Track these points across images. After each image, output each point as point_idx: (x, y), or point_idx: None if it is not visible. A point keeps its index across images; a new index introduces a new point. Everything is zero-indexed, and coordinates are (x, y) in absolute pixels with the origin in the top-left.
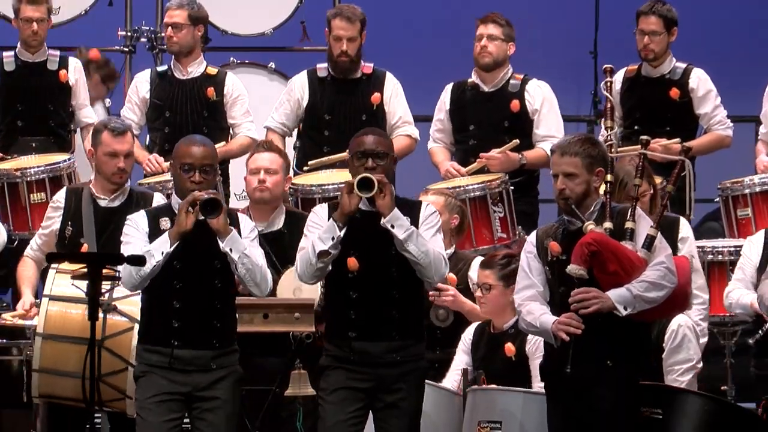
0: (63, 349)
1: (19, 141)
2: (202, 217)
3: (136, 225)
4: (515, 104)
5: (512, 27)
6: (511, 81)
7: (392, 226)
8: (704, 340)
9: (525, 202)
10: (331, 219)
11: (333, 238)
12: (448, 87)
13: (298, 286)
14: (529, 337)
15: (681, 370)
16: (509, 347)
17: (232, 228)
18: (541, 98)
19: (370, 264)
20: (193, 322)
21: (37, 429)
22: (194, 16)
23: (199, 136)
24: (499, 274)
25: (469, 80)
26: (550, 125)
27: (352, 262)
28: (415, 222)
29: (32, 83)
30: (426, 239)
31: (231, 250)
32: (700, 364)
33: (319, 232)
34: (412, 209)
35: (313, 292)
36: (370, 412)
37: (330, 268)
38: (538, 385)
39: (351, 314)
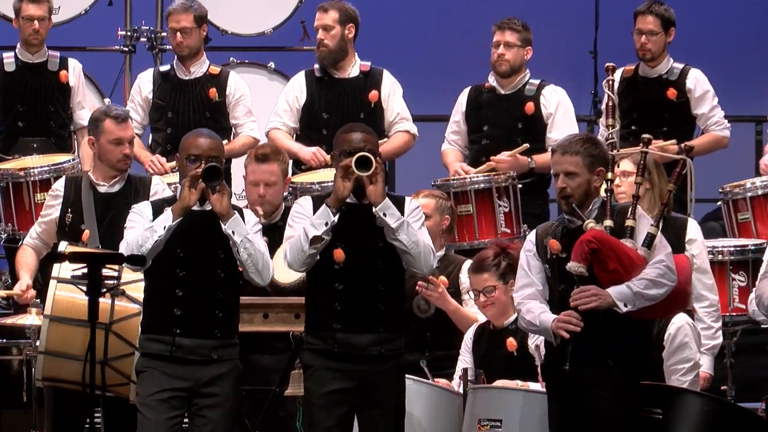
0: (69, 332)
1: (20, 142)
2: (205, 204)
3: (140, 212)
4: (530, 107)
5: (529, 30)
6: (528, 85)
7: (384, 214)
8: (718, 341)
9: (535, 203)
10: (324, 205)
11: (327, 224)
12: (466, 90)
13: None
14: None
15: (683, 370)
16: (511, 342)
17: (235, 212)
18: (556, 103)
19: (357, 256)
20: (195, 311)
21: (44, 425)
22: (199, 17)
23: (206, 129)
24: (496, 274)
25: (486, 83)
26: (563, 130)
27: (339, 254)
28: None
29: (32, 84)
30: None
31: (233, 232)
32: (702, 363)
33: (311, 219)
34: (397, 203)
35: None
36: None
37: (318, 256)
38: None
39: (336, 306)
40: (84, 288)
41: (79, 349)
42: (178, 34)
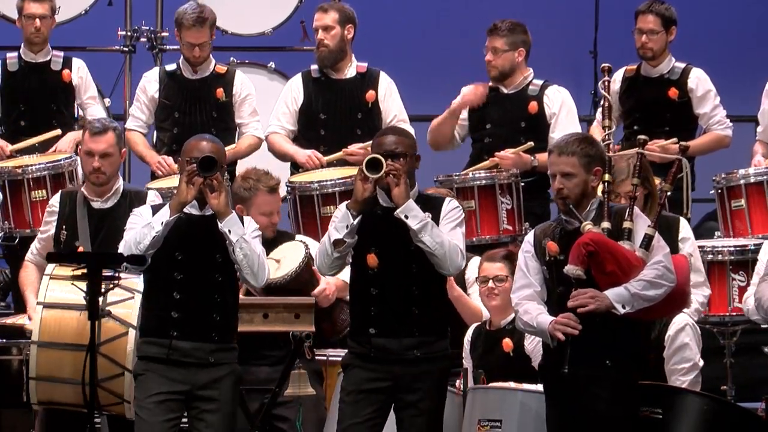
0: (58, 357)
1: (22, 141)
2: (205, 208)
3: (140, 215)
4: (533, 106)
5: (518, 32)
6: (531, 85)
7: (406, 217)
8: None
9: (536, 203)
10: (345, 207)
11: (347, 227)
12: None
13: (283, 257)
14: (531, 346)
15: (683, 370)
16: (507, 342)
17: (233, 211)
18: (559, 103)
19: (390, 260)
20: (192, 314)
21: (36, 430)
22: (212, 25)
23: (209, 135)
24: (510, 268)
25: (490, 83)
26: (566, 130)
27: (372, 259)
28: (436, 217)
29: (35, 83)
30: (442, 231)
31: (230, 231)
32: (701, 363)
33: (335, 222)
34: (434, 205)
35: (294, 263)
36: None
37: (349, 260)
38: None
39: (371, 310)
40: (82, 287)
41: (68, 373)
42: (197, 48)
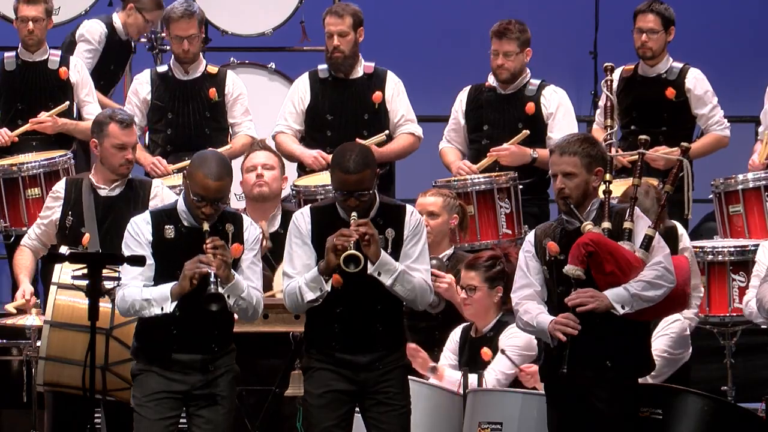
0: (70, 338)
1: (20, 139)
2: (203, 223)
3: (138, 233)
4: (530, 107)
5: (526, 30)
6: (528, 85)
7: (378, 274)
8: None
9: (535, 203)
10: (316, 271)
11: (320, 290)
12: (466, 89)
13: None
14: (503, 334)
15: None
16: (485, 351)
17: (235, 274)
18: (556, 103)
19: (354, 279)
20: (192, 330)
21: (44, 426)
22: (200, 21)
23: (217, 163)
24: (483, 276)
25: (487, 83)
26: (564, 131)
27: (336, 278)
28: (400, 229)
29: (32, 82)
30: (412, 260)
31: (228, 296)
32: (686, 358)
33: (307, 278)
34: (397, 215)
35: None
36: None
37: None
38: (491, 369)
39: (335, 327)
40: (83, 286)
41: (79, 354)
42: (185, 41)
